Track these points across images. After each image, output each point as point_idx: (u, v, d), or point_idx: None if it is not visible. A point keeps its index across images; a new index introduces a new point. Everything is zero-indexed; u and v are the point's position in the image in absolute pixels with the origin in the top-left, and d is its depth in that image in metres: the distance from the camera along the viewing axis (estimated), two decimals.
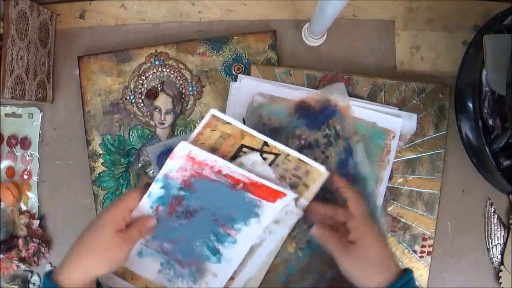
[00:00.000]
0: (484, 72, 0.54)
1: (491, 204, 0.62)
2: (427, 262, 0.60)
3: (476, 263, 0.62)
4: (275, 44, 0.63)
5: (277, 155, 0.51)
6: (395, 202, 0.60)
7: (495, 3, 0.64)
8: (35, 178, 0.64)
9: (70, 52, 0.65)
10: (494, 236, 0.62)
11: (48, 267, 0.63)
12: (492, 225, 0.62)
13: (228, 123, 0.51)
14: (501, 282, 0.61)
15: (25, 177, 0.64)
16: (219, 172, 0.49)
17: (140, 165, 0.62)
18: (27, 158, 0.64)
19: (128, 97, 0.63)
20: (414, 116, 0.59)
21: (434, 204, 0.60)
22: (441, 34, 0.64)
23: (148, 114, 0.63)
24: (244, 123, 0.57)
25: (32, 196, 0.64)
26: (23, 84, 0.57)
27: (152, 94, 0.62)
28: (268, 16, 0.65)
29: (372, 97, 0.61)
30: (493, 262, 0.62)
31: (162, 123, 0.62)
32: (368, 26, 0.64)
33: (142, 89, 0.63)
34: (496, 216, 0.62)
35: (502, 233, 0.62)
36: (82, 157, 0.63)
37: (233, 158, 0.51)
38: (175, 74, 0.63)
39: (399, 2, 0.65)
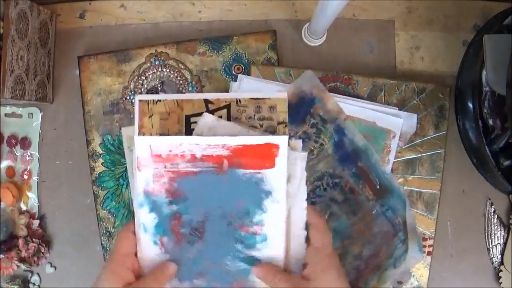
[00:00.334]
0: (484, 72, 0.54)
1: (491, 204, 0.62)
2: (427, 262, 0.60)
3: (476, 263, 0.62)
4: (275, 44, 0.63)
5: (227, 106, 0.46)
6: None
7: (495, 3, 0.64)
8: (35, 178, 0.64)
9: (70, 52, 0.65)
10: (494, 236, 0.62)
11: (48, 267, 0.63)
12: (492, 225, 0.62)
13: (158, 100, 0.45)
14: (501, 282, 0.61)
15: (25, 177, 0.64)
16: (194, 158, 0.43)
17: None
18: (27, 158, 0.64)
19: (128, 97, 0.63)
20: (414, 116, 0.59)
21: (434, 204, 0.60)
22: (441, 34, 0.64)
23: None
24: None
25: (32, 196, 0.64)
26: (23, 84, 0.57)
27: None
28: (268, 16, 0.65)
29: (372, 97, 0.61)
30: (493, 262, 0.62)
31: None
32: (368, 26, 0.64)
33: (142, 89, 0.63)
34: (496, 216, 0.62)
35: (502, 233, 0.62)
36: (82, 157, 0.63)
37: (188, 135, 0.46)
38: (175, 74, 0.63)
39: (399, 2, 0.65)
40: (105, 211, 0.62)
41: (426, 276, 0.60)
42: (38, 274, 0.63)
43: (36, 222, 0.63)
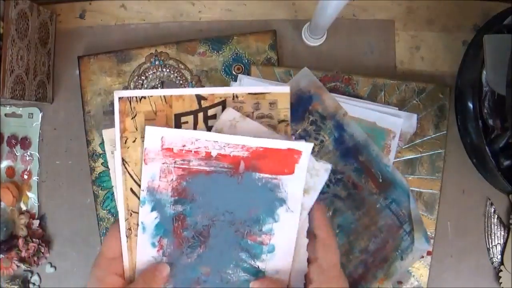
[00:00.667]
0: (484, 72, 0.54)
1: (491, 204, 0.62)
2: (427, 262, 0.60)
3: (476, 263, 0.62)
4: (275, 44, 0.63)
5: (222, 103, 0.40)
6: None
7: (495, 3, 0.64)
8: (35, 178, 0.64)
9: (70, 52, 0.65)
10: (494, 236, 0.62)
11: (48, 267, 0.63)
12: (492, 225, 0.62)
13: (143, 97, 0.40)
14: (501, 282, 0.61)
15: (25, 177, 0.64)
16: (209, 156, 0.39)
17: None
18: (27, 158, 0.64)
19: None
20: (414, 116, 0.59)
21: (434, 204, 0.60)
22: (441, 34, 0.64)
23: None
24: None
25: (32, 196, 0.64)
26: (23, 84, 0.57)
27: None
28: (268, 16, 0.65)
29: (372, 97, 0.61)
30: (493, 262, 0.62)
31: None
32: (368, 26, 0.64)
33: (142, 89, 0.63)
34: (496, 216, 0.62)
35: (502, 233, 0.62)
36: (82, 157, 0.63)
37: None
38: (175, 74, 0.63)
39: (399, 2, 0.65)
40: (105, 211, 0.62)
41: (426, 276, 0.60)
42: (38, 274, 0.63)
43: (36, 222, 0.63)
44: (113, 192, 0.62)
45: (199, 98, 0.41)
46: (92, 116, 0.63)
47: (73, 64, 0.64)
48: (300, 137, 0.57)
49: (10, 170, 0.64)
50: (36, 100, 0.61)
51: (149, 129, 0.39)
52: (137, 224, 0.40)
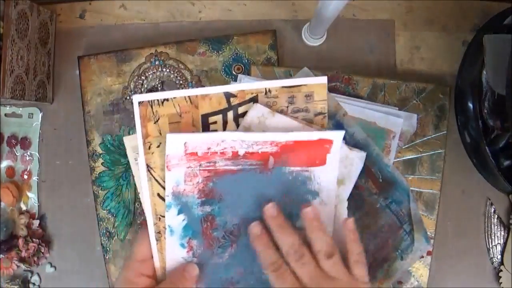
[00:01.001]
0: (484, 72, 0.54)
1: (491, 204, 0.62)
2: (427, 262, 0.60)
3: (476, 263, 0.62)
4: (275, 44, 0.63)
5: (254, 99, 0.38)
6: None
7: (495, 3, 0.64)
8: (35, 178, 0.64)
9: (70, 52, 0.65)
10: (494, 236, 0.62)
11: (48, 267, 0.63)
12: (492, 225, 0.62)
13: (165, 99, 0.38)
14: (501, 282, 0.61)
15: (25, 177, 0.64)
16: (236, 155, 0.37)
17: None
18: (27, 158, 0.64)
19: (128, 97, 0.63)
20: (414, 116, 0.59)
21: (434, 204, 0.60)
22: (441, 34, 0.64)
23: None
24: None
25: (32, 196, 0.64)
26: (23, 84, 0.57)
27: None
28: (268, 16, 0.65)
29: (372, 97, 0.61)
30: (493, 262, 0.62)
31: None
32: (368, 26, 0.64)
33: (142, 89, 0.63)
34: (496, 216, 0.62)
35: (502, 233, 0.62)
36: (82, 157, 0.63)
37: None
38: (175, 74, 0.63)
39: (399, 2, 0.65)
40: (105, 211, 0.62)
41: (426, 276, 0.60)
42: (38, 274, 0.63)
43: (36, 222, 0.63)
44: (113, 192, 0.63)
45: (228, 95, 0.38)
46: (92, 116, 0.63)
47: (73, 64, 0.64)
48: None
49: (10, 170, 0.64)
50: (36, 100, 0.61)
51: (170, 137, 0.37)
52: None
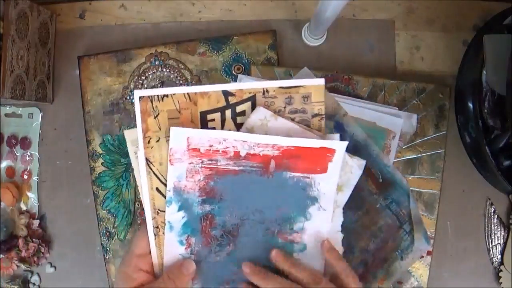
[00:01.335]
0: (484, 72, 0.54)
1: (491, 204, 0.62)
2: (427, 262, 0.60)
3: (476, 263, 0.62)
4: (275, 44, 0.63)
5: (252, 98, 0.39)
6: None
7: (495, 3, 0.64)
8: (35, 178, 0.64)
9: (70, 52, 0.65)
10: (494, 236, 0.62)
11: (48, 267, 0.63)
12: (492, 225, 0.62)
13: (165, 95, 0.39)
14: (501, 282, 0.61)
15: (25, 177, 0.64)
16: (237, 156, 0.38)
17: None
18: (27, 158, 0.64)
19: (128, 97, 0.63)
20: (414, 116, 0.59)
21: (434, 204, 0.60)
22: (441, 34, 0.64)
23: None
24: None
25: (32, 196, 0.64)
26: (23, 84, 0.57)
27: None
28: (268, 16, 0.65)
29: (372, 97, 0.61)
30: (493, 262, 0.62)
31: None
32: (368, 26, 0.64)
33: (142, 89, 0.63)
34: (496, 216, 0.62)
35: (502, 233, 0.62)
36: (82, 157, 0.63)
37: None
38: (175, 74, 0.63)
39: (399, 2, 0.65)
40: (105, 211, 0.62)
41: (426, 276, 0.60)
42: (38, 274, 0.63)
43: (36, 222, 0.63)
44: (113, 192, 0.63)
45: (226, 94, 0.39)
46: (92, 116, 0.63)
47: (73, 64, 0.64)
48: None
49: (10, 170, 0.64)
50: (36, 100, 0.61)
51: (174, 130, 0.38)
52: (165, 223, 0.40)
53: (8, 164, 0.65)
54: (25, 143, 0.64)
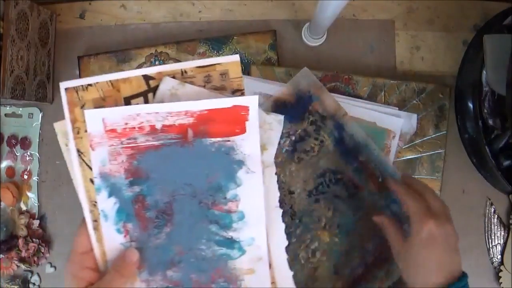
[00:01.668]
0: (484, 72, 0.54)
1: (491, 204, 0.62)
2: None
3: (476, 263, 0.62)
4: (275, 44, 0.63)
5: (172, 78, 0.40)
6: None
7: (495, 3, 0.64)
8: (35, 178, 0.64)
9: (70, 52, 0.65)
10: (494, 236, 0.62)
11: (48, 267, 0.63)
12: (492, 225, 0.62)
13: (89, 85, 0.39)
14: (501, 282, 0.61)
15: (25, 177, 0.64)
16: (154, 130, 0.38)
17: None
18: (27, 158, 0.64)
19: None
20: (414, 116, 0.59)
21: None
22: (441, 34, 0.64)
23: None
24: None
25: (32, 196, 0.64)
26: (23, 84, 0.57)
27: None
28: (268, 16, 0.65)
29: (372, 97, 0.61)
30: (493, 262, 0.62)
31: None
32: (368, 26, 0.64)
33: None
34: (496, 216, 0.62)
35: (502, 233, 0.62)
36: None
37: None
38: None
39: (399, 2, 0.65)
40: None
41: None
42: (38, 274, 0.63)
43: (36, 222, 0.63)
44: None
45: (147, 78, 0.39)
46: None
47: (73, 64, 0.64)
48: (300, 138, 0.57)
49: (10, 170, 0.64)
50: (36, 100, 0.61)
51: (88, 113, 0.38)
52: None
53: (8, 164, 0.65)
54: (25, 143, 0.64)
